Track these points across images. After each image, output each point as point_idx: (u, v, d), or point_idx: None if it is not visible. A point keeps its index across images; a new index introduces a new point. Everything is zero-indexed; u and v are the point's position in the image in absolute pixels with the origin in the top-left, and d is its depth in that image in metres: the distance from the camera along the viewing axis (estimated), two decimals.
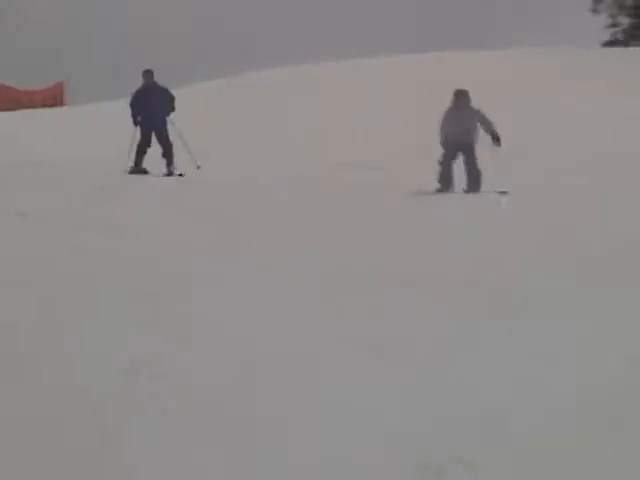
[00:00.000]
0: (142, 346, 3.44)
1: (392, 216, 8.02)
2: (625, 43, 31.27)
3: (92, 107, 21.35)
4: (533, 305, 4.33)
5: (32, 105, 22.69)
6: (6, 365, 3.20)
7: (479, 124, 9.83)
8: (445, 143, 9.98)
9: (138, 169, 11.84)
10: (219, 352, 3.40)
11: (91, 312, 4.00)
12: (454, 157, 9.90)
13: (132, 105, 12.35)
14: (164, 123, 12.04)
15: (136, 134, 12.16)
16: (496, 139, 9.82)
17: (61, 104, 23.84)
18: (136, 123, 12.13)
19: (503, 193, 8.61)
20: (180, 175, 11.54)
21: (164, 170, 11.76)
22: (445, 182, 9.83)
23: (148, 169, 11.74)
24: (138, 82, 12.60)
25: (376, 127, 15.92)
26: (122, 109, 14.17)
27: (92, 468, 2.38)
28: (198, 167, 11.90)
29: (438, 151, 10.37)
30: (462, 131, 9.60)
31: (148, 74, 12.41)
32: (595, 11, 32.95)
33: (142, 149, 12.01)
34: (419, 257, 5.71)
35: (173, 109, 12.15)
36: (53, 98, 24.08)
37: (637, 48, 26.43)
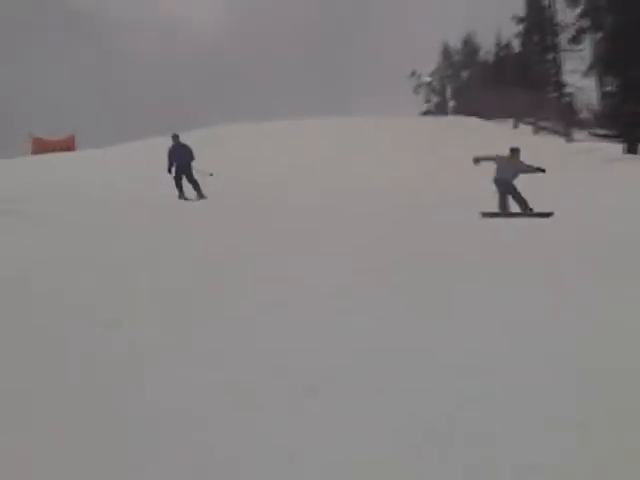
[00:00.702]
0: None
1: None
2: (435, 114, 49.56)
3: (95, 151, 30.29)
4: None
5: (54, 150, 30.68)
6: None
7: (522, 170, 13.60)
8: (497, 181, 13.38)
9: (182, 196, 16.50)
10: None
11: None
12: (505, 191, 13.32)
13: (169, 157, 16.87)
14: (190, 168, 16.67)
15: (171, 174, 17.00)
16: (541, 171, 13.47)
17: (73, 149, 33.01)
18: (170, 171, 16.65)
19: (545, 215, 11.70)
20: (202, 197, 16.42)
21: (195, 196, 16.50)
22: (502, 208, 13.17)
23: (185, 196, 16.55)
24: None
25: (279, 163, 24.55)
26: (117, 152, 27.49)
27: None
28: (211, 174, 16.71)
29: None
30: (510, 174, 13.42)
31: (175, 137, 17.23)
32: (416, 92, 52.75)
33: (179, 184, 16.62)
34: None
35: (193, 158, 16.91)
36: (67, 146, 33.06)
37: (442, 117, 42.01)
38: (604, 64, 32.49)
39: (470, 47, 46.90)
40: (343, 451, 2.89)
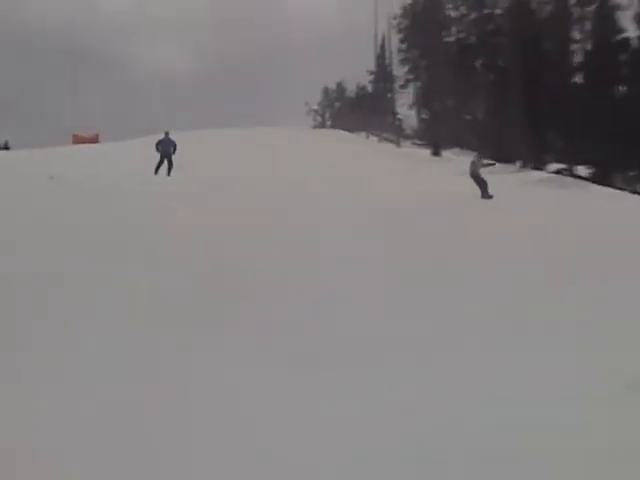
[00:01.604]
0: None
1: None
2: (319, 127, 63.05)
3: (114, 144, 42.19)
4: None
5: (85, 142, 43.63)
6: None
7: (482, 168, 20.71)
8: (472, 175, 20.20)
9: (156, 174, 22.28)
10: None
11: None
12: (476, 181, 19.91)
13: (157, 145, 23.22)
14: (170, 156, 22.73)
15: (157, 159, 23.23)
16: (491, 164, 21.60)
17: (97, 142, 45.76)
18: (158, 151, 22.91)
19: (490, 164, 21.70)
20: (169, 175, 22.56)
21: (168, 175, 22.21)
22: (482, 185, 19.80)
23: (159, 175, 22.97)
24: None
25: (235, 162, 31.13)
26: (130, 145, 38.58)
27: None
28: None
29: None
30: (475, 169, 20.38)
31: (167, 133, 23.57)
32: (308, 115, 67.12)
33: (158, 166, 22.63)
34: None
35: (175, 149, 22.90)
36: (93, 140, 46.20)
37: (323, 129, 59.49)
38: (420, 102, 50.45)
39: (341, 88, 59.84)
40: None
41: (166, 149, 22.88)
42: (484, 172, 20.79)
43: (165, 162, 22.84)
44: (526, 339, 6.05)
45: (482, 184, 20.16)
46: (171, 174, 22.57)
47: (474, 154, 23.37)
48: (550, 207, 18.06)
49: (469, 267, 9.15)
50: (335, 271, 8.66)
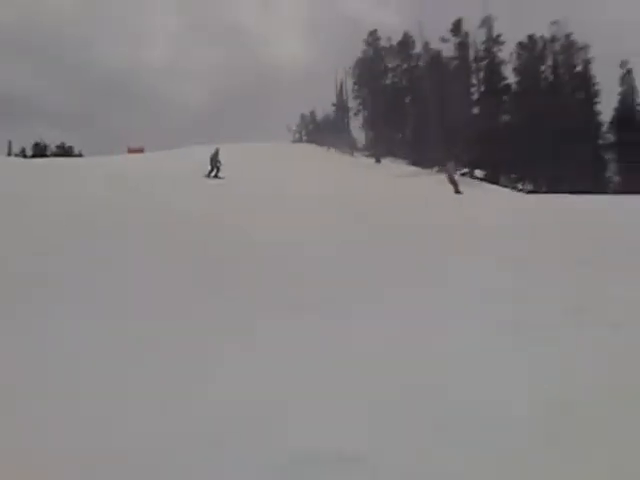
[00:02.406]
0: None
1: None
2: (297, 142, 66.79)
3: (156, 153, 44.75)
4: None
5: (135, 152, 47.79)
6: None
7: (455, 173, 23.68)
8: (448, 176, 22.47)
9: (209, 176, 23.41)
10: None
11: None
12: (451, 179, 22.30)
13: (211, 159, 24.55)
14: (217, 163, 24.24)
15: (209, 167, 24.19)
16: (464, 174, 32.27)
17: (143, 152, 48.44)
18: (213, 161, 24.34)
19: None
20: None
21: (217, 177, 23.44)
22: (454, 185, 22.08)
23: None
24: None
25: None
26: (171, 155, 39.45)
27: None
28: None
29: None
30: (451, 172, 23.06)
31: (217, 148, 24.95)
32: (288, 132, 72.43)
33: (210, 174, 23.66)
34: None
35: (219, 160, 24.26)
36: (141, 150, 49.71)
37: (300, 143, 63.03)
38: (367, 125, 59.39)
39: (313, 115, 65.63)
40: None
41: (214, 159, 25.01)
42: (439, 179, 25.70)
43: (214, 169, 24.74)
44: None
45: (454, 183, 22.94)
46: (219, 176, 24.33)
47: (450, 162, 25.73)
48: (458, 197, 21.38)
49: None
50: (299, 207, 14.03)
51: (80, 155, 52.48)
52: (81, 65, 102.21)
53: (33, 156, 54.71)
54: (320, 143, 57.23)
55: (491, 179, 49.69)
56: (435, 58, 54.37)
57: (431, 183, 34.01)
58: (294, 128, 67.74)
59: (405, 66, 57.54)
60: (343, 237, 9.87)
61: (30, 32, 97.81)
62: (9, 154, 55.39)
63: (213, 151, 25.18)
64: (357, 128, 62.32)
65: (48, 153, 53.69)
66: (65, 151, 56.52)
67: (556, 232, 10.50)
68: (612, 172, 52.89)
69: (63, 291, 6.29)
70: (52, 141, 62.08)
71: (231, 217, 11.64)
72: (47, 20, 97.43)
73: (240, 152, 40.46)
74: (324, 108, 68.21)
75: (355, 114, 61.80)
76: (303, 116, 67.78)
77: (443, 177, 38.63)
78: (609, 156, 52.82)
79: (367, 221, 11.33)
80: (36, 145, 63.20)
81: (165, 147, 46.26)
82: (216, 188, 18.17)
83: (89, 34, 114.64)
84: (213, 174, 24.28)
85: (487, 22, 52.94)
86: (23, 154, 58.69)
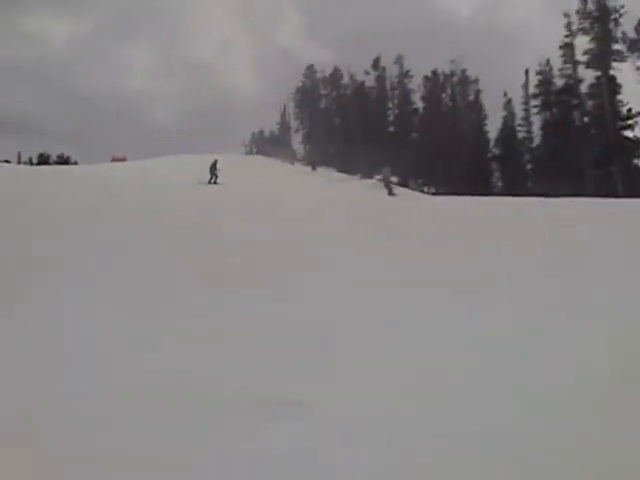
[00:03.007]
0: None
1: None
2: (249, 154, 67.43)
3: (135, 162, 46.41)
4: None
5: (118, 161, 50.69)
6: None
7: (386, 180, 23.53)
8: (384, 179, 23.72)
9: (209, 183, 23.46)
10: None
11: None
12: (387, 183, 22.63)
13: (210, 168, 25.18)
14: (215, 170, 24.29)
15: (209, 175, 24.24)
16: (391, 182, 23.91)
17: (125, 161, 51.07)
18: (212, 169, 24.75)
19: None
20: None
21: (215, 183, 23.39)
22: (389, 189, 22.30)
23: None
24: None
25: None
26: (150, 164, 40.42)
27: None
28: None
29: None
30: (387, 176, 24.14)
31: (215, 160, 25.76)
32: (243, 145, 75.12)
33: (210, 181, 23.92)
34: None
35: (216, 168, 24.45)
36: (123, 159, 52.58)
37: (252, 155, 65.15)
38: (305, 140, 64.45)
39: (261, 132, 70.60)
40: None
41: (213, 168, 25.50)
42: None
43: (213, 176, 25.26)
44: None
45: (389, 186, 23.69)
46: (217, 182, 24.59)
47: (387, 167, 26.38)
48: (377, 197, 22.86)
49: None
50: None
51: (75, 163, 57.08)
52: (76, 92, 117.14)
53: (38, 164, 63.06)
54: (267, 155, 61.81)
55: (403, 184, 56.69)
56: (359, 87, 61.79)
57: (359, 186, 38.90)
58: (246, 143, 75.49)
59: (335, 93, 64.32)
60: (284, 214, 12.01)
61: (36, 66, 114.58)
62: (19, 162, 62.77)
63: (212, 161, 26.36)
64: (297, 143, 67.70)
65: (50, 162, 62.22)
66: (64, 160, 64.38)
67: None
68: (496, 178, 64.32)
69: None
70: (54, 152, 70.78)
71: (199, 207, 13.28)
72: (50, 56, 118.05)
73: (207, 161, 47.79)
74: (270, 127, 72.92)
75: (296, 131, 67.86)
76: (254, 133, 75.33)
77: (367, 182, 44.15)
78: (494, 166, 60.93)
79: (319, 216, 12.39)
80: (40, 155, 71.11)
81: (144, 156, 50.11)
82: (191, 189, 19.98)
83: (79, 66, 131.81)
84: (213, 181, 25.24)
85: (399, 60, 59.74)
86: (30, 162, 67.18)
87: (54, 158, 62.43)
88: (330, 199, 18.54)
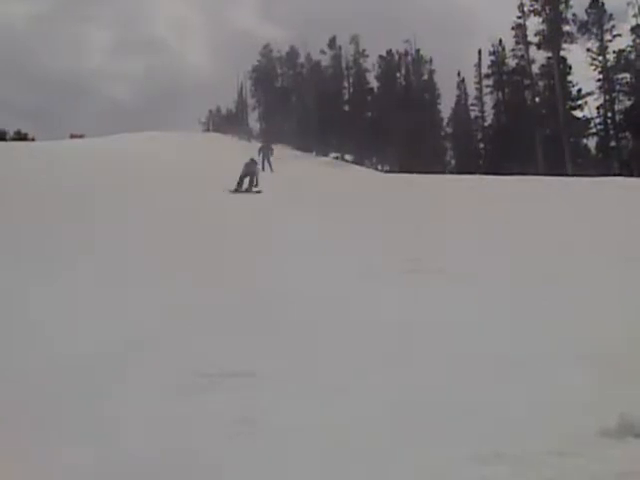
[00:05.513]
0: None
1: None
2: (207, 131, 68.90)
3: (93, 139, 44.22)
4: None
5: (77, 138, 47.33)
6: None
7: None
8: (263, 155, 22.95)
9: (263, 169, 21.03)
10: None
11: None
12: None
13: (262, 154, 23.25)
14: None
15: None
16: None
17: (82, 137, 48.13)
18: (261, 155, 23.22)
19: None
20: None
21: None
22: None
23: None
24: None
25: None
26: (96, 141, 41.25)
27: None
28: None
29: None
30: (266, 151, 23.52)
31: (266, 144, 25.93)
32: (200, 124, 74.51)
33: (263, 167, 21.76)
34: None
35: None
36: (82, 136, 48.68)
37: (210, 132, 66.55)
38: (262, 118, 64.85)
39: (218, 111, 69.86)
40: None
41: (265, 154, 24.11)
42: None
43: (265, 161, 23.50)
44: None
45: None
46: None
47: (265, 143, 26.65)
48: (331, 174, 27.01)
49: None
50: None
51: (33, 140, 56.00)
52: (33, 68, 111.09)
53: None
54: (224, 132, 61.70)
55: (357, 162, 57.46)
56: (315, 66, 62.12)
57: (315, 163, 40.89)
58: (204, 120, 75.24)
59: (292, 72, 64.43)
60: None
61: None
62: None
63: (261, 145, 25.69)
64: (254, 120, 67.48)
65: (7, 138, 60.78)
66: (21, 136, 63.16)
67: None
68: (449, 156, 65.23)
69: None
70: (10, 128, 68.77)
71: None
72: (8, 34, 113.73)
73: (165, 138, 46.41)
74: (227, 105, 72.33)
75: (252, 109, 67.25)
76: (211, 111, 75.58)
77: (322, 159, 46.66)
78: (447, 144, 64.74)
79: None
80: None
81: (102, 134, 49.63)
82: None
83: (38, 44, 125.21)
84: (269, 168, 23.85)
85: (355, 39, 60.28)
86: None
87: (11, 134, 60.40)
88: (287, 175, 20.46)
